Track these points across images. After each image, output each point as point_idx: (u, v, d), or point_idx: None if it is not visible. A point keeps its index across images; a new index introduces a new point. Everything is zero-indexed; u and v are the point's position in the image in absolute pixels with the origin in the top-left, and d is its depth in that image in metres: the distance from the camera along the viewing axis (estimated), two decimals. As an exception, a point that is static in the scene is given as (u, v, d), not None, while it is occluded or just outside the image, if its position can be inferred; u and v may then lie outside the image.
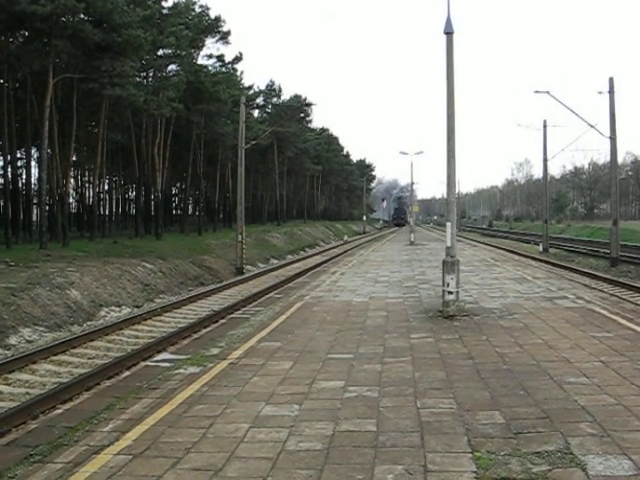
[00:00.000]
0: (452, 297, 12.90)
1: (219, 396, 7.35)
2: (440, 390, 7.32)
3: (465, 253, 34.51)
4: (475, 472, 4.98)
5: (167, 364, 9.59)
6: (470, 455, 5.32)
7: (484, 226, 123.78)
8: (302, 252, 53.98)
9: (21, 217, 36.70)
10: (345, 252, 46.42)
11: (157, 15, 39.44)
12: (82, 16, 30.35)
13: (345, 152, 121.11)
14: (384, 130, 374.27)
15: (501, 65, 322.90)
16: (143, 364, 11.19)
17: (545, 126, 42.61)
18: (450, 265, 13.10)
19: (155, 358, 11.40)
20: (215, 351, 10.00)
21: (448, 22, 12.94)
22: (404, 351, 9.53)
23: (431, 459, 5.26)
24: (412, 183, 59.60)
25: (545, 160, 43.95)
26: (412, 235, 48.87)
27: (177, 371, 8.72)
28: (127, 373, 11.16)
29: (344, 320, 12.64)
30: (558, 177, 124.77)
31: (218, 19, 49.86)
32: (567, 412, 6.35)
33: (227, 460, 5.38)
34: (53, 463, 5.49)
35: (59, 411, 8.76)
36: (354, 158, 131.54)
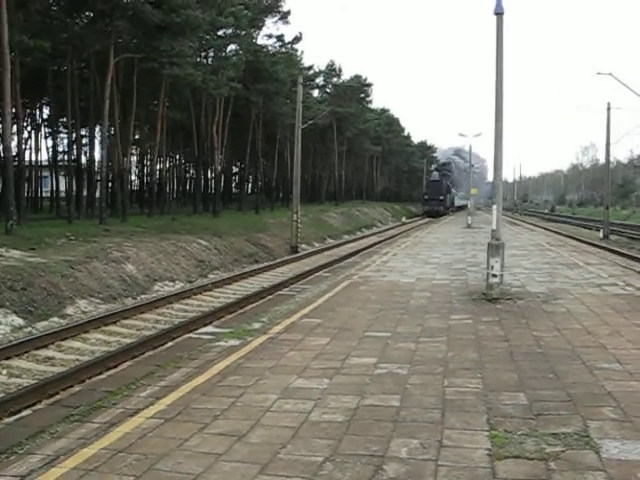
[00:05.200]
0: (496, 280, 12.88)
1: (254, 368, 7.59)
2: (469, 370, 7.39)
3: (522, 237, 34.07)
4: (489, 449, 5.06)
5: (210, 336, 9.90)
6: (487, 433, 5.41)
7: (546, 210, 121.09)
8: (358, 232, 54.07)
9: (84, 193, 37.84)
10: (400, 233, 46.32)
11: (216, -5, 39.78)
12: (143, -3, 30.97)
13: (406, 133, 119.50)
14: (445, 110, 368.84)
15: (565, 46, 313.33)
16: (186, 336, 11.56)
17: (609, 109, 41.13)
18: (495, 248, 13.08)
19: (199, 331, 11.75)
20: (257, 325, 10.28)
21: (498, 2, 12.78)
22: (441, 331, 9.61)
23: (447, 435, 5.38)
24: (470, 165, 58.80)
25: (608, 144, 42.57)
26: (469, 218, 48.33)
27: (218, 343, 9.03)
28: (171, 344, 11.56)
29: (388, 300, 12.77)
30: (625, 162, 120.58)
31: (278, -1, 49.99)
32: (592, 396, 6.35)
33: (252, 427, 5.62)
34: (91, 422, 5.84)
35: (102, 376, 9.19)
36: (415, 139, 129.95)
